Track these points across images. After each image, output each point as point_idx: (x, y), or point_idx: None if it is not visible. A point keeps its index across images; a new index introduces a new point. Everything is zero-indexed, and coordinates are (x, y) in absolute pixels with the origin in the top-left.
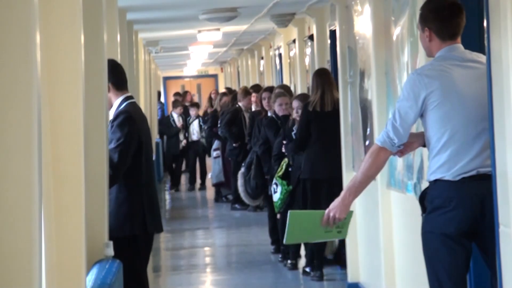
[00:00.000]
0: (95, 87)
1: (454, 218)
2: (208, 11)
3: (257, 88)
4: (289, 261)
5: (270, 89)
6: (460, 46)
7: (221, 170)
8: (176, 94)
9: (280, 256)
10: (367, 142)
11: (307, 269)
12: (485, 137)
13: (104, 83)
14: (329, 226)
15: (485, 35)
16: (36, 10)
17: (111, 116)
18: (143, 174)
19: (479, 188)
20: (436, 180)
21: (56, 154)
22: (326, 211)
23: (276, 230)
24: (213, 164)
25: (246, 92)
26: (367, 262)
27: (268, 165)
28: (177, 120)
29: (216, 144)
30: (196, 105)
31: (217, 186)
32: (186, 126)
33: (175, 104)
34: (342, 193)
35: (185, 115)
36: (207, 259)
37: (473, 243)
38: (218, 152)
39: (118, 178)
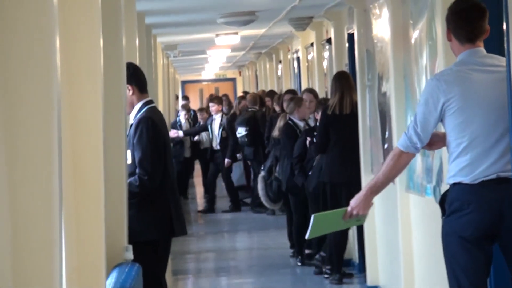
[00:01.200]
0: (114, 91)
1: (472, 221)
2: (226, 14)
3: (271, 94)
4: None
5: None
6: (480, 50)
7: (242, 173)
8: (185, 98)
9: (298, 259)
10: (385, 145)
11: (327, 270)
12: (505, 141)
13: (123, 87)
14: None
15: (505, 38)
16: (55, 14)
17: (131, 120)
18: (168, 177)
19: (498, 191)
20: (455, 183)
21: (75, 158)
22: (349, 208)
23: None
24: (234, 167)
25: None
26: (386, 265)
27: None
28: (184, 125)
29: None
30: (205, 110)
31: (238, 189)
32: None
33: (183, 108)
34: (363, 191)
35: (193, 120)
36: (226, 263)
37: (497, 246)
38: (240, 155)
39: (154, 186)
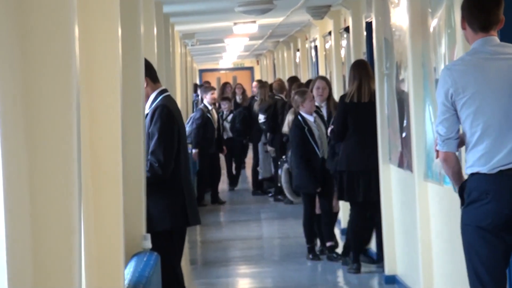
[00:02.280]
0: (132, 80)
1: (490, 210)
2: (244, 3)
3: (293, 80)
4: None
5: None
6: (493, 39)
7: (270, 164)
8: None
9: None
10: (403, 134)
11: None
12: None
13: (141, 76)
14: None
15: None
16: (74, 4)
17: (146, 110)
18: (182, 166)
19: None
20: (473, 173)
21: (94, 148)
22: None
23: (311, 228)
24: (262, 159)
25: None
26: (405, 255)
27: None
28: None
29: (263, 138)
30: (228, 99)
31: (263, 180)
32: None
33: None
34: None
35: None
36: (244, 252)
37: None
38: (266, 146)
39: (166, 175)
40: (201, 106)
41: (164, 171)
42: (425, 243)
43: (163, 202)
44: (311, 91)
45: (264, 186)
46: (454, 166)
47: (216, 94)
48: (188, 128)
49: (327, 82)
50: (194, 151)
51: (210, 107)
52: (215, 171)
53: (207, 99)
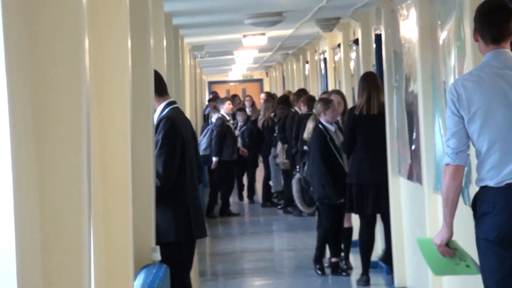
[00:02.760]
0: (141, 92)
1: (497, 223)
2: (253, 15)
3: (301, 93)
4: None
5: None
6: (504, 51)
7: (280, 176)
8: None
9: (317, 266)
10: (413, 147)
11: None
12: None
13: (150, 88)
14: (448, 256)
15: None
16: (84, 16)
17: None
18: (188, 178)
19: None
20: (482, 187)
21: (104, 159)
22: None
23: (335, 242)
24: (273, 173)
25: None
26: (414, 267)
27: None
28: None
29: (273, 151)
30: (244, 110)
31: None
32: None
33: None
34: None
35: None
36: (253, 264)
37: None
38: (277, 159)
39: (166, 187)
40: (219, 115)
41: (163, 183)
42: None
43: (168, 214)
44: None
45: (274, 198)
46: (460, 182)
47: (232, 104)
48: (206, 138)
49: (342, 97)
50: (214, 159)
51: (228, 117)
52: (228, 181)
53: (224, 109)
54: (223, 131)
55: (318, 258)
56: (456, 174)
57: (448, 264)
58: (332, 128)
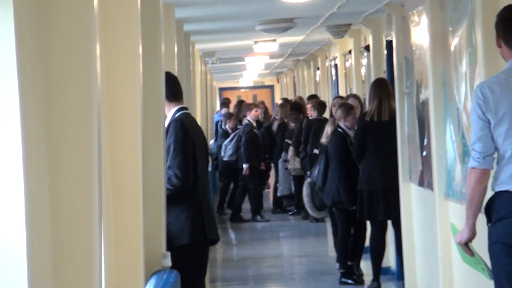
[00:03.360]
0: (152, 98)
1: None
2: (265, 22)
3: (311, 98)
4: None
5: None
6: None
7: (290, 181)
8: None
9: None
10: (424, 153)
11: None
12: None
13: (161, 94)
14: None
15: None
16: (96, 22)
17: None
18: (199, 181)
19: None
20: (501, 191)
21: (114, 164)
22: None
23: (347, 250)
24: (282, 176)
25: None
26: (425, 273)
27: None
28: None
29: (284, 155)
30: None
31: (283, 198)
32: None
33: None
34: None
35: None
36: (264, 270)
37: None
38: (287, 164)
39: (186, 187)
40: (247, 121)
41: (183, 183)
42: (446, 262)
43: (181, 217)
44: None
45: (284, 204)
46: (486, 186)
47: (259, 111)
48: (232, 144)
49: (359, 101)
50: (245, 166)
51: (254, 124)
52: (256, 185)
53: (250, 116)
54: (252, 138)
55: (350, 271)
56: (482, 178)
57: (472, 259)
58: (351, 133)
